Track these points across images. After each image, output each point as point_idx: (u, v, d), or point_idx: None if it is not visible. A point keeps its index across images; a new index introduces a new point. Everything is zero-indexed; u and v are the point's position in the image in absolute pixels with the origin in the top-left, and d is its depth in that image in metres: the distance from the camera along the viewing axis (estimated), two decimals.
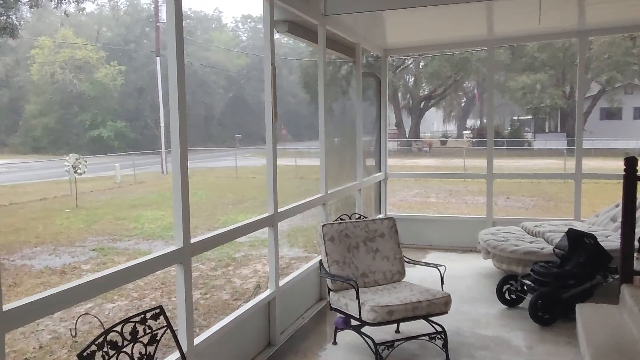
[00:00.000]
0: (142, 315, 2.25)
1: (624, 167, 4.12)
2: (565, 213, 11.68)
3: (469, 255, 6.91)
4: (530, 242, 5.76)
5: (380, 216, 7.54)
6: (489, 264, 6.02)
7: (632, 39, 29.48)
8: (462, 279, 5.99)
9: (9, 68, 43.13)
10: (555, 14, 6.17)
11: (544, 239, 5.90)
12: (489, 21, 6.35)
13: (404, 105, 43.45)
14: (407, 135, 41.38)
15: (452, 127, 62.80)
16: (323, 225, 4.29)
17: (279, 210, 4.21)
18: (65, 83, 40.76)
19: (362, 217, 4.58)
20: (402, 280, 4.39)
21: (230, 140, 47.87)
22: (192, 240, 3.15)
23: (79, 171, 13.99)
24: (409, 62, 40.05)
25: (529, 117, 42.12)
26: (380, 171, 7.67)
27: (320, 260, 4.28)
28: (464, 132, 53.24)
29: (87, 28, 46.98)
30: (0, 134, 43.03)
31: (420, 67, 39.39)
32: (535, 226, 6.35)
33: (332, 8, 5.13)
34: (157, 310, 2.32)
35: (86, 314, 4.38)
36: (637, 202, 5.73)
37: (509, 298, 5.08)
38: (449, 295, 3.96)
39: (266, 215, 4.10)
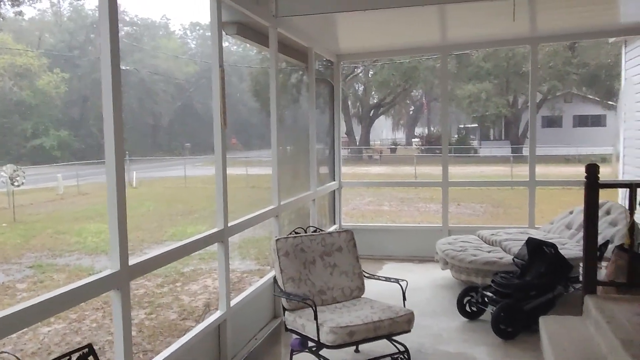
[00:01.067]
0: (68, 358, 1.90)
1: (586, 173, 4.02)
2: (515, 219, 11.81)
3: (427, 265, 6.76)
4: (489, 252, 5.64)
5: (336, 228, 7.31)
6: (447, 274, 5.88)
7: (571, 49, 30.60)
8: (421, 290, 5.82)
9: None
10: (507, 20, 6.13)
11: (502, 248, 5.80)
12: (441, 27, 6.25)
13: (354, 114, 43.67)
14: (358, 143, 41.55)
15: (400, 135, 63.59)
16: (277, 240, 4.01)
17: (229, 225, 3.91)
18: (4, 90, 38.87)
19: (318, 230, 4.33)
20: (362, 297, 4.16)
21: (180, 149, 46.91)
22: (132, 262, 2.79)
23: (16, 183, 13.17)
24: (359, 71, 40.35)
25: (475, 125, 43.10)
26: (334, 180, 7.44)
27: (275, 276, 3.99)
28: (413, 139, 53.97)
29: (28, 34, 45.08)
30: None
31: (370, 75, 39.70)
32: (492, 234, 6.26)
33: (284, 9, 4.88)
34: (86, 350, 1.98)
35: (2, 352, 3.91)
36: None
37: (470, 310, 4.92)
38: (412, 313, 3.75)
39: (215, 230, 3.78)
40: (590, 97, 37.02)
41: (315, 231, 4.31)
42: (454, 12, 5.43)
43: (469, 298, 4.92)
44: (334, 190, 7.47)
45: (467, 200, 16.21)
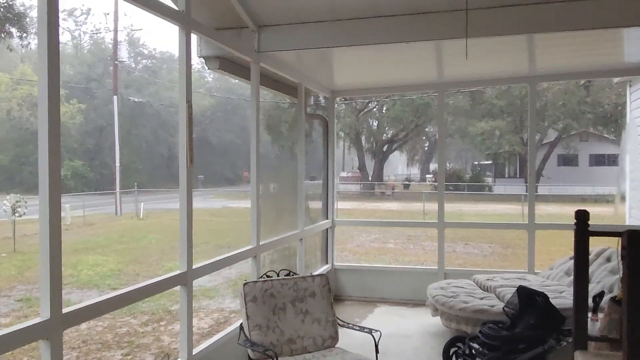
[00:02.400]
0: None
1: (575, 220, 3.77)
2: (522, 261, 11.37)
3: (420, 310, 6.45)
4: (481, 299, 5.36)
5: (328, 268, 7.06)
6: (438, 321, 5.58)
7: (585, 88, 30.37)
8: (410, 338, 5.52)
9: None
10: (506, 59, 5.98)
11: (496, 295, 5.51)
12: (438, 64, 6.11)
13: (367, 149, 43.63)
14: (370, 179, 41.33)
15: (415, 171, 63.33)
16: (245, 284, 3.79)
17: (194, 267, 3.71)
18: (21, 120, 39.62)
19: (291, 273, 4.10)
20: (336, 347, 3.89)
21: (194, 181, 47.07)
22: (65, 310, 2.59)
23: (17, 213, 13.13)
24: (372, 106, 40.46)
25: (489, 162, 42.74)
26: (327, 218, 7.22)
27: (241, 324, 3.76)
28: (427, 176, 53.66)
29: None
30: None
31: (384, 111, 39.74)
32: (487, 279, 5.97)
33: (267, 44, 4.77)
34: None
35: None
36: (589, 257, 5.42)
37: None
38: None
39: (177, 272, 3.58)
40: (607, 136, 36.57)
41: (288, 274, 4.08)
42: (449, 49, 5.28)
43: (455, 349, 4.63)
44: (327, 229, 7.25)
45: (477, 239, 15.83)
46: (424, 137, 52.78)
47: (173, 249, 14.39)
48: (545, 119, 32.65)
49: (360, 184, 41.01)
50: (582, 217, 3.76)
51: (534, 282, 5.79)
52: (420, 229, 17.20)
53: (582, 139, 36.76)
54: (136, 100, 39.10)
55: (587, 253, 3.75)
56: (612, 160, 37.35)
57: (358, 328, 3.84)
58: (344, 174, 45.21)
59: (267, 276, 4.00)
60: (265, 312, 3.75)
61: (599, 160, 38.41)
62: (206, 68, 5.01)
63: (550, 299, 4.95)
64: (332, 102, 7.29)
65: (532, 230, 6.55)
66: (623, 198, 7.05)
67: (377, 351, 3.67)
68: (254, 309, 3.72)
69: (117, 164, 25.28)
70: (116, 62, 25.93)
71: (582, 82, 29.83)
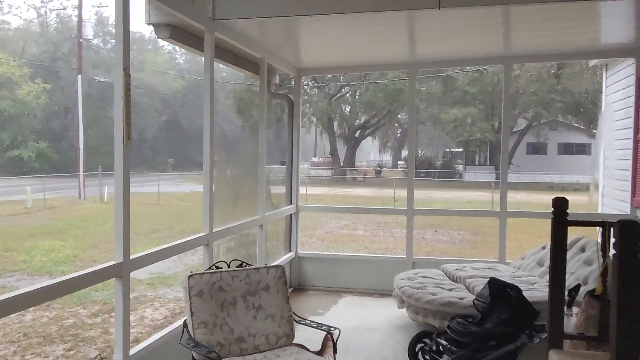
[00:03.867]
0: None
1: (552, 208, 3.47)
2: (492, 249, 11.24)
3: (387, 300, 6.15)
4: (450, 290, 5.07)
5: (292, 256, 6.69)
6: (405, 313, 5.27)
7: (556, 77, 30.49)
8: (374, 332, 5.21)
9: None
10: (480, 38, 5.65)
11: (465, 286, 5.23)
12: (409, 41, 5.75)
13: (340, 134, 43.28)
14: (342, 164, 41.05)
15: (388, 158, 63.33)
16: (190, 276, 3.39)
17: (132, 257, 3.30)
18: None
19: (244, 264, 3.71)
20: (291, 345, 3.53)
21: (163, 164, 46.17)
22: None
23: None
24: (345, 92, 40.06)
25: (461, 149, 42.87)
26: (292, 204, 6.85)
27: (185, 321, 3.37)
28: (399, 162, 53.70)
29: (12, 43, 44.30)
30: None
31: (357, 97, 39.37)
32: (457, 269, 5.69)
33: (223, 12, 4.34)
34: None
35: None
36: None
37: (422, 359, 4.32)
38: None
39: (112, 263, 3.17)
40: (576, 125, 36.96)
41: (240, 265, 3.70)
42: (421, 24, 4.92)
43: (422, 345, 4.32)
44: (291, 215, 6.88)
45: (446, 226, 15.66)
46: (396, 124, 52.72)
47: (135, 234, 13.85)
48: (517, 107, 32.76)
49: (332, 169, 40.71)
50: (560, 205, 3.47)
51: (504, 273, 5.53)
52: (391, 215, 16.98)
53: (551, 128, 37.06)
54: (102, 80, 37.85)
55: (565, 243, 3.47)
56: (580, 149, 37.83)
57: (315, 325, 3.49)
58: (315, 159, 44.87)
59: (217, 267, 3.61)
60: (212, 307, 3.37)
61: (567, 149, 38.87)
62: (156, 36, 4.54)
63: (524, 291, 4.70)
64: (299, 81, 6.87)
65: (503, 218, 6.29)
66: (595, 187, 6.83)
67: (334, 351, 3.32)
68: (199, 304, 3.34)
69: (81, 145, 24.43)
70: (80, 39, 24.92)
71: (553, 70, 29.98)
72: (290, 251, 6.82)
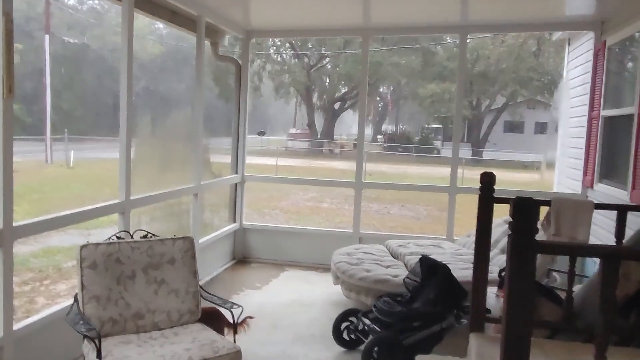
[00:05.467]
0: None
1: (480, 184, 3.25)
2: (456, 226, 11.14)
3: (329, 276, 5.93)
4: (387, 267, 4.87)
5: (236, 227, 6.43)
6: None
7: (535, 56, 30.29)
8: (309, 308, 5.01)
9: None
10: (436, 4, 5.35)
11: (404, 264, 5.03)
12: (364, 5, 5.42)
13: (320, 106, 42.82)
14: (319, 137, 40.71)
15: (369, 131, 63.03)
16: (82, 247, 3.11)
17: (16, 224, 3.00)
18: None
19: (150, 235, 3.44)
20: (195, 323, 3.29)
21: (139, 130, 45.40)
22: None
23: None
24: (326, 62, 39.48)
25: (439, 125, 42.74)
26: (237, 173, 6.56)
27: (75, 295, 3.10)
28: (378, 136, 53.48)
29: None
30: None
31: (337, 68, 38.84)
32: (400, 246, 5.49)
33: None
34: None
35: None
36: (496, 224, 4.97)
37: (347, 339, 4.12)
38: (238, 351, 2.89)
39: None
40: (552, 104, 36.92)
41: (146, 237, 3.42)
42: None
43: (347, 324, 4.12)
44: (236, 185, 6.59)
45: (415, 201, 15.53)
46: (377, 98, 52.35)
47: (94, 200, 13.47)
48: (495, 84, 32.59)
49: (309, 141, 40.35)
50: (487, 181, 3.24)
51: (447, 250, 5.35)
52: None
53: (529, 107, 37.03)
54: (72, 41, 36.72)
55: (489, 221, 3.24)
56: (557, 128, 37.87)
57: (220, 301, 3.24)
58: (293, 131, 44.43)
59: (118, 237, 3.33)
60: (107, 281, 3.10)
61: (544, 127, 38.92)
62: None
63: (460, 270, 4.52)
64: (247, 44, 6.51)
65: (453, 194, 6.08)
66: (551, 165, 6.65)
67: (235, 331, 3.09)
68: (92, 277, 3.06)
69: (48, 108, 23.77)
70: None
71: (534, 48, 29.73)
72: (235, 222, 6.56)
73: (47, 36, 23.67)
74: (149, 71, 49.49)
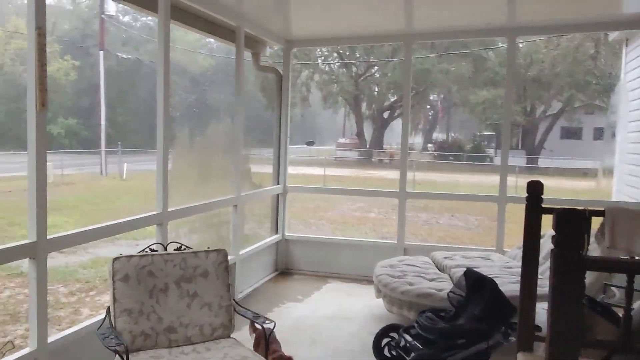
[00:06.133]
0: None
1: (527, 193, 3.04)
2: (508, 237, 10.74)
3: (372, 288, 5.77)
4: (432, 280, 4.67)
5: (278, 238, 6.36)
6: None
7: (593, 59, 29.16)
8: (350, 321, 4.86)
9: None
10: (482, 6, 5.15)
11: (450, 276, 4.82)
12: (406, 9, 5.28)
13: (369, 115, 42.62)
14: (368, 146, 40.48)
15: (419, 140, 62.34)
16: (115, 259, 3.09)
17: (50, 237, 3.00)
18: (14, 75, 38.69)
19: (184, 247, 3.39)
20: (228, 338, 3.20)
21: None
22: None
23: None
24: (374, 71, 39.32)
25: (492, 133, 41.72)
26: (278, 183, 6.50)
27: (108, 308, 3.07)
28: (428, 145, 52.77)
29: None
30: None
31: (387, 76, 38.59)
32: (446, 257, 5.28)
33: None
34: None
35: None
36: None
37: (388, 355, 3.95)
38: None
39: (25, 242, 2.88)
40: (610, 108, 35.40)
41: (179, 249, 3.38)
42: None
43: (388, 340, 3.95)
44: (278, 195, 6.53)
45: (465, 210, 15.13)
46: (428, 106, 51.66)
47: (142, 211, 13.73)
48: (550, 89, 31.57)
49: (358, 150, 40.18)
50: (534, 189, 3.03)
51: (496, 262, 5.10)
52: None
53: (587, 112, 35.63)
54: (125, 56, 37.94)
55: (538, 233, 3.04)
56: None
57: (252, 316, 3.15)
58: (342, 140, 44.36)
59: (151, 250, 3.30)
60: (139, 294, 3.06)
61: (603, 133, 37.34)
62: None
63: (509, 283, 4.29)
64: (288, 54, 6.47)
65: (502, 203, 5.82)
66: (610, 172, 6.28)
67: (267, 347, 2.98)
68: (124, 290, 3.03)
69: (103, 122, 24.60)
70: (102, 15, 24.89)
71: (592, 51, 28.61)
72: (277, 233, 6.49)
73: (101, 52, 24.48)
74: (200, 84, 50.71)
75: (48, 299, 3.00)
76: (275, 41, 6.23)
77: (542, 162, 33.79)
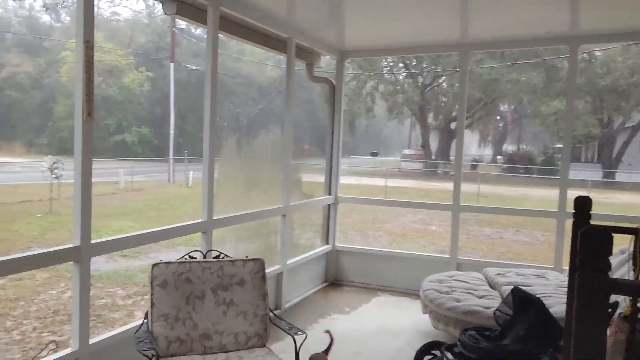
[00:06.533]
0: None
1: (574, 209, 2.87)
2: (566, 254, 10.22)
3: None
4: (481, 297, 4.50)
5: (328, 249, 6.34)
6: None
7: None
8: (395, 336, 4.76)
9: (42, 69, 43.57)
10: (543, 13, 4.96)
11: (500, 294, 4.63)
12: (462, 18, 5.16)
13: (435, 126, 42.00)
14: (434, 157, 39.82)
15: (488, 152, 60.75)
16: (155, 265, 3.16)
17: (93, 241, 3.12)
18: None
19: (222, 255, 3.43)
20: (263, 347, 3.21)
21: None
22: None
23: (54, 174, 13.21)
24: (441, 81, 38.73)
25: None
26: (330, 194, 6.48)
27: (146, 312, 3.15)
28: (498, 157, 51.31)
29: (120, 33, 47.37)
30: (30, 134, 43.60)
31: (455, 87, 37.92)
32: (498, 274, 5.08)
33: None
34: None
35: None
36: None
37: None
38: None
39: (70, 246, 3.01)
40: None
41: (218, 257, 3.42)
42: (477, 4, 4.35)
43: (430, 357, 3.83)
44: (329, 205, 6.52)
45: (531, 226, 14.58)
46: (498, 117, 50.29)
47: (184, 218, 14.11)
48: (630, 99, 29.95)
49: (423, 162, 39.60)
50: (582, 205, 2.85)
51: (552, 281, 4.86)
52: (468, 212, 16.11)
53: None
54: (194, 68, 39.21)
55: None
56: None
57: (286, 327, 3.13)
58: (406, 152, 43.91)
59: (190, 257, 3.36)
60: (176, 300, 3.12)
61: None
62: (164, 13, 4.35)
63: (563, 304, 4.05)
64: (341, 64, 6.47)
65: (562, 219, 5.55)
66: None
67: (296, 358, 2.96)
68: (162, 295, 3.10)
69: (171, 131, 25.55)
70: (174, 29, 25.94)
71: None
72: (327, 244, 6.47)
73: (172, 64, 25.46)
74: (267, 94, 51.75)
75: (106, 301, 3.13)
76: (328, 52, 6.25)
77: (620, 176, 32.10)
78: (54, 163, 13.31)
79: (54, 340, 4.43)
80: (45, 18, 48.37)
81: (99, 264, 8.35)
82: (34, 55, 43.14)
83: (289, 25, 5.16)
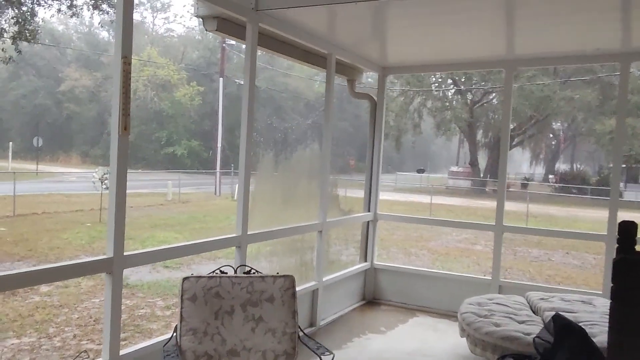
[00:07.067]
0: None
1: (617, 234, 2.71)
2: None
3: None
4: (521, 323, 4.32)
5: (367, 266, 6.26)
6: None
7: None
8: (432, 359, 4.62)
9: (99, 83, 45.33)
10: (591, 32, 4.80)
11: (542, 320, 4.44)
12: (507, 33, 5.05)
13: (484, 144, 41.27)
14: (482, 175, 39.04)
15: (540, 170, 59.14)
16: (185, 279, 3.18)
17: (126, 253, 3.16)
18: (146, 100, 42.27)
19: (253, 271, 3.42)
20: None
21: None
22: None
23: (105, 184, 13.62)
24: (491, 97, 38.08)
25: (623, 165, 38.52)
26: (369, 211, 6.41)
27: (176, 326, 3.16)
28: (550, 176, 49.87)
29: (173, 49, 48.85)
30: (85, 146, 45.36)
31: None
32: (542, 299, 4.88)
33: (267, 1, 4.08)
34: None
35: None
36: None
37: None
38: None
39: (103, 257, 3.06)
40: None
41: (249, 272, 3.41)
42: (522, 9, 4.23)
43: None
44: (368, 222, 6.44)
45: (582, 249, 14.04)
46: (550, 135, 48.99)
47: (223, 231, 14.22)
48: None
49: (471, 179, 38.89)
50: (626, 231, 2.69)
51: (598, 308, 4.62)
52: (516, 233, 15.66)
53: None
54: (242, 82, 39.91)
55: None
56: None
57: (314, 346, 3.08)
58: (454, 169, 43.25)
59: (221, 272, 3.36)
60: (205, 314, 3.12)
61: None
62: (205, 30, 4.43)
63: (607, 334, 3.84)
64: (383, 81, 6.42)
65: (611, 243, 5.29)
66: None
67: None
68: (191, 309, 3.11)
69: (219, 144, 26.04)
70: (224, 45, 26.53)
71: None
72: (366, 261, 6.39)
73: (221, 79, 26.01)
74: (315, 109, 52.11)
75: (145, 311, 3.17)
76: (370, 68, 6.23)
77: None
78: (104, 174, 13.74)
79: (85, 350, 4.52)
80: (104, 34, 50.41)
81: (142, 274, 8.52)
82: (92, 69, 44.91)
83: (329, 41, 5.16)
